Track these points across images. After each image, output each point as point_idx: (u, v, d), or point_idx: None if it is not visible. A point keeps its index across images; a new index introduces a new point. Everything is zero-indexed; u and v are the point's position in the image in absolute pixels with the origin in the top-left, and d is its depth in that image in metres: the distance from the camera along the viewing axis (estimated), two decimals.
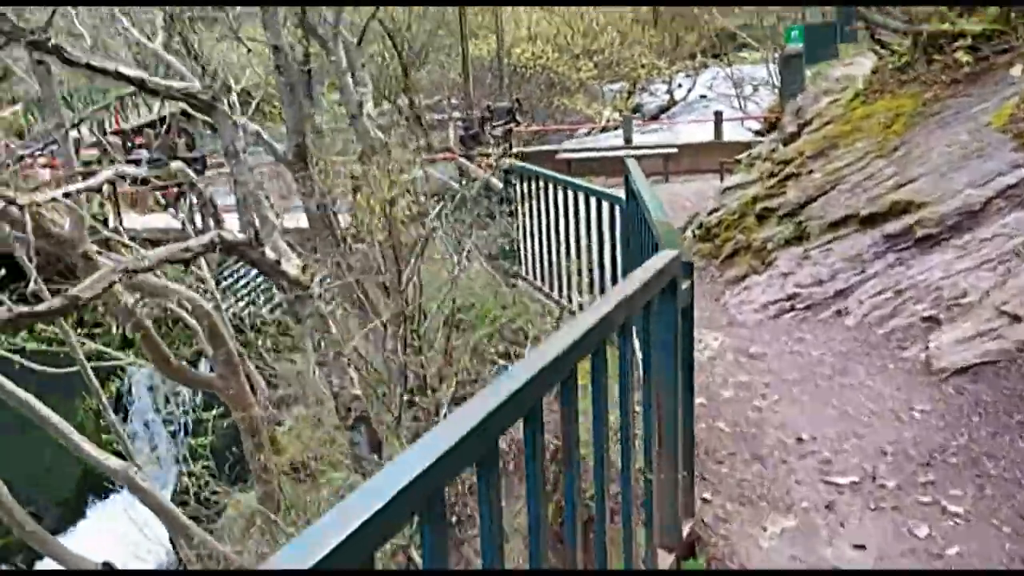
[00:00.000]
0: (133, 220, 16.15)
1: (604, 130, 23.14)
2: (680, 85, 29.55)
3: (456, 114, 18.55)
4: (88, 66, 4.63)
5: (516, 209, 7.80)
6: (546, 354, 2.07)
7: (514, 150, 17.64)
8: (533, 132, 21.56)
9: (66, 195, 5.05)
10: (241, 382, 8.21)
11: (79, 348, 9.11)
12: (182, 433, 13.86)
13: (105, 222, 11.25)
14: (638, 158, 18.10)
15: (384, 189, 5.86)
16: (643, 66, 24.55)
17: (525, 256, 7.81)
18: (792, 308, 6.74)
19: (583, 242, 6.51)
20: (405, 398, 5.87)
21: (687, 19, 28.50)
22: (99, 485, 12.20)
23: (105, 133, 18.70)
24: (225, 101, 5.37)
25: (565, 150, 17.96)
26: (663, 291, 2.85)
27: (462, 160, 17.98)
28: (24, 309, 4.36)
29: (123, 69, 4.84)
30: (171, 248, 4.99)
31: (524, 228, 7.74)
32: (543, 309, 7.30)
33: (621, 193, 5.89)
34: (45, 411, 7.57)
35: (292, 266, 5.81)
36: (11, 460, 11.70)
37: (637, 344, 2.98)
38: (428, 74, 26.07)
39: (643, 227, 4.32)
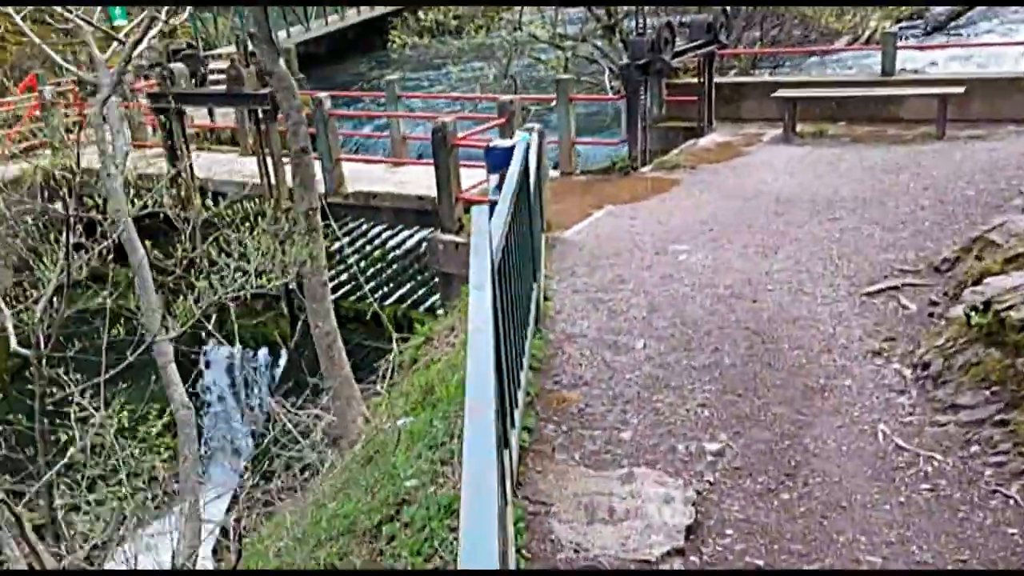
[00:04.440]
0: None
1: (868, 47, 16.54)
2: None
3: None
4: None
5: None
6: None
7: (715, 81, 12.23)
8: (754, 55, 15.51)
9: None
10: None
11: None
12: None
13: None
14: (899, 98, 11.97)
15: None
16: None
17: None
18: None
19: None
20: None
21: None
22: None
23: None
24: None
25: (786, 84, 12.19)
26: None
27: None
28: None
29: None
30: None
31: None
32: None
33: None
34: None
35: None
36: None
37: None
38: None
39: None
